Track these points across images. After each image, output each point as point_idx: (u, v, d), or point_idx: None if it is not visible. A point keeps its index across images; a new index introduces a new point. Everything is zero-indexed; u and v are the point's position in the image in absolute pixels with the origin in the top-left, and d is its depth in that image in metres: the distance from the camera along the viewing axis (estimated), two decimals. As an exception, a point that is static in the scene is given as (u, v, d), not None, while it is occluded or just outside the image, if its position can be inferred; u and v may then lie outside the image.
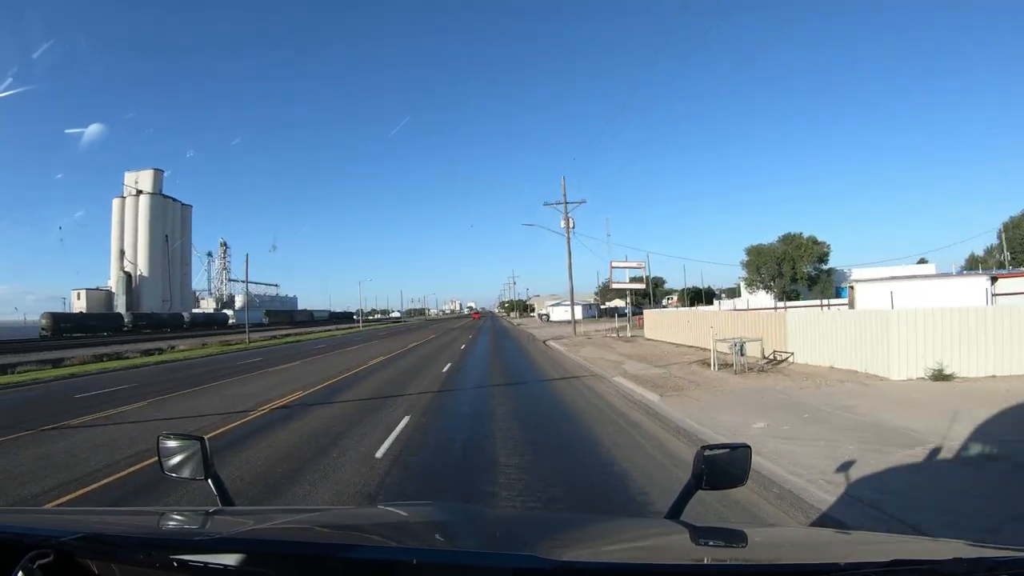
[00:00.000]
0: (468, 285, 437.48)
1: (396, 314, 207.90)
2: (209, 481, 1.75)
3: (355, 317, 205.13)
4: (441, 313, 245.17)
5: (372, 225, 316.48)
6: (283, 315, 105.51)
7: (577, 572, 1.03)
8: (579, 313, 72.07)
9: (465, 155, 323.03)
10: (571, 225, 34.26)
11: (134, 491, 5.70)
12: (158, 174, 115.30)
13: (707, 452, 1.59)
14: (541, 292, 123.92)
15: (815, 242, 66.75)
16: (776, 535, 1.82)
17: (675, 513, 1.63)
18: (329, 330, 66.61)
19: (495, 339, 33.39)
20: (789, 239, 68.48)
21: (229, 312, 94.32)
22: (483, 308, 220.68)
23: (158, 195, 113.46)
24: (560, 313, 63.43)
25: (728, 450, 1.62)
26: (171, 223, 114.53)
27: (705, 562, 1.22)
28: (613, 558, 1.24)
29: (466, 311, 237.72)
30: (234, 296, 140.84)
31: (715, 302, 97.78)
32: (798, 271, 66.12)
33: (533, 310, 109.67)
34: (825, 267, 68.33)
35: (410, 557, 1.03)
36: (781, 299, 69.35)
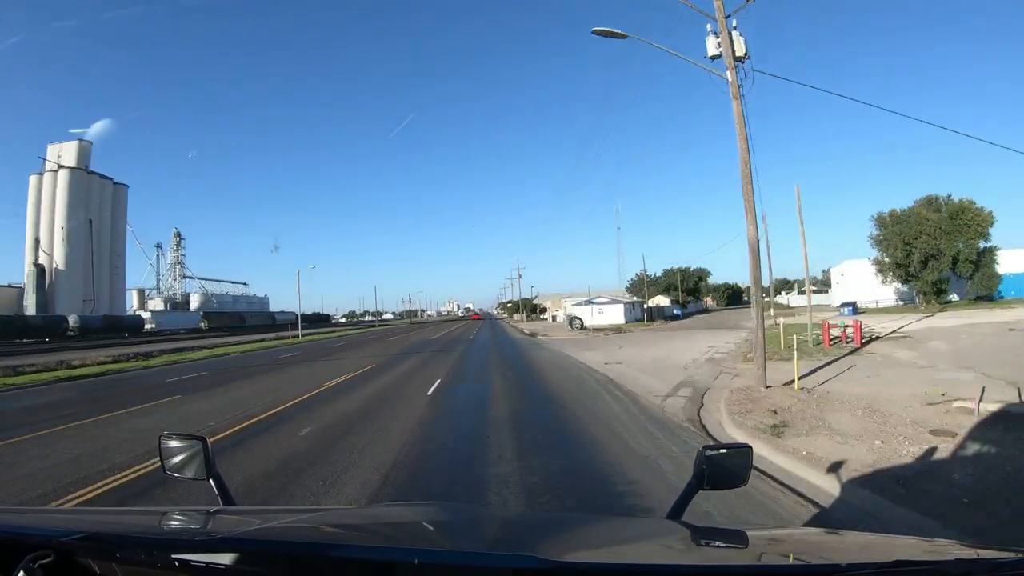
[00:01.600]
0: (466, 286, 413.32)
1: (388, 316, 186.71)
2: (211, 481, 1.68)
3: (342, 319, 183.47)
4: (437, 315, 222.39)
5: (367, 224, 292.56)
6: (230, 318, 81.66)
7: (578, 572, 1.03)
8: (620, 314, 48.82)
9: (465, 148, 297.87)
10: (738, 50, 10.75)
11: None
12: (84, 146, 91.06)
13: (708, 452, 1.52)
14: (544, 291, 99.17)
15: (972, 207, 42.95)
16: (777, 536, 1.74)
17: (676, 514, 1.57)
18: (260, 341, 43.71)
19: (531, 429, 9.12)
20: (935, 202, 44.71)
21: (146, 315, 70.13)
22: (481, 309, 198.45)
23: (81, 171, 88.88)
24: (595, 316, 40.00)
25: (729, 450, 1.57)
26: (98, 205, 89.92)
27: (706, 563, 1.19)
28: (614, 558, 1.22)
29: (461, 312, 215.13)
30: (189, 295, 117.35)
31: (782, 295, 75.23)
32: (960, 252, 42.43)
33: (543, 311, 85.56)
34: (985, 246, 44.59)
35: (411, 557, 1.02)
36: (925, 294, 45.81)
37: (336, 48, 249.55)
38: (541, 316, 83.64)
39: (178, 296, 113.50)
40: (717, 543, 1.29)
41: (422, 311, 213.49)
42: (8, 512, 2.60)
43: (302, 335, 52.07)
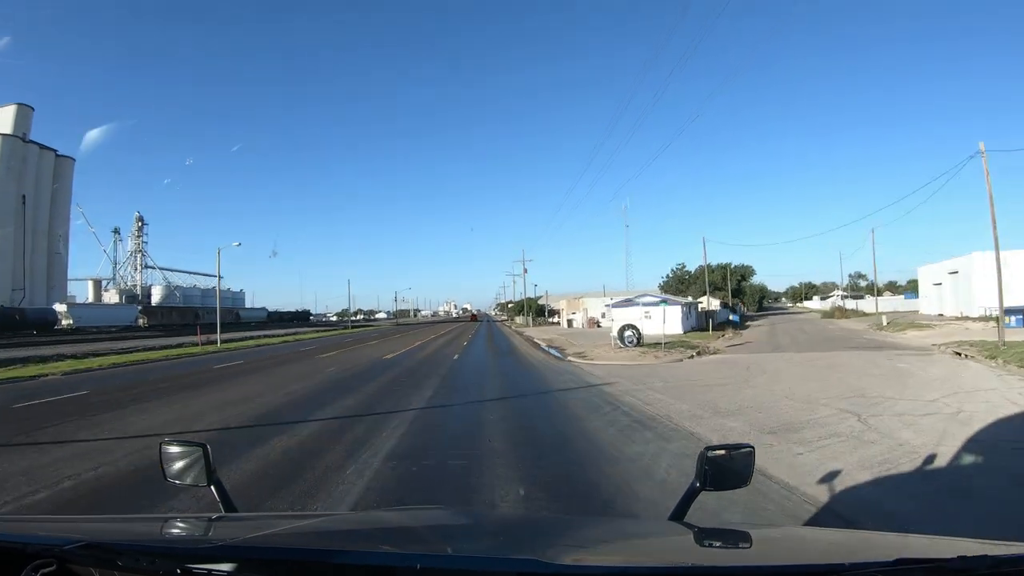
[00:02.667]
0: (463, 287, 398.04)
1: (382, 315, 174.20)
2: (212, 488, 1.63)
3: (332, 317, 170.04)
4: (433, 315, 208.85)
5: (363, 222, 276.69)
6: (181, 314, 67.21)
7: (580, 575, 1.02)
8: (677, 320, 34.33)
9: (465, 144, 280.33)
10: None
11: None
12: (23, 111, 76.18)
13: (710, 453, 1.49)
14: (552, 291, 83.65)
15: None
16: (780, 536, 1.72)
17: (679, 515, 1.54)
18: (161, 349, 29.85)
19: None
20: None
21: (61, 309, 55.33)
22: (478, 310, 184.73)
23: (16, 138, 74.10)
24: (642, 322, 25.74)
25: (731, 451, 1.52)
26: (35, 180, 75.14)
27: (709, 564, 1.16)
28: (616, 561, 1.21)
29: (456, 313, 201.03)
30: (151, 287, 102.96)
31: (814, 300, 60.78)
32: None
33: (553, 314, 70.80)
34: None
35: (414, 563, 1.01)
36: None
37: (332, 34, 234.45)
38: (551, 320, 68.89)
39: (137, 288, 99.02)
40: (720, 544, 1.26)
41: (416, 311, 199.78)
42: (10, 520, 2.62)
43: (245, 337, 37.95)
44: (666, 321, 26.11)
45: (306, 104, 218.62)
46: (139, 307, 65.54)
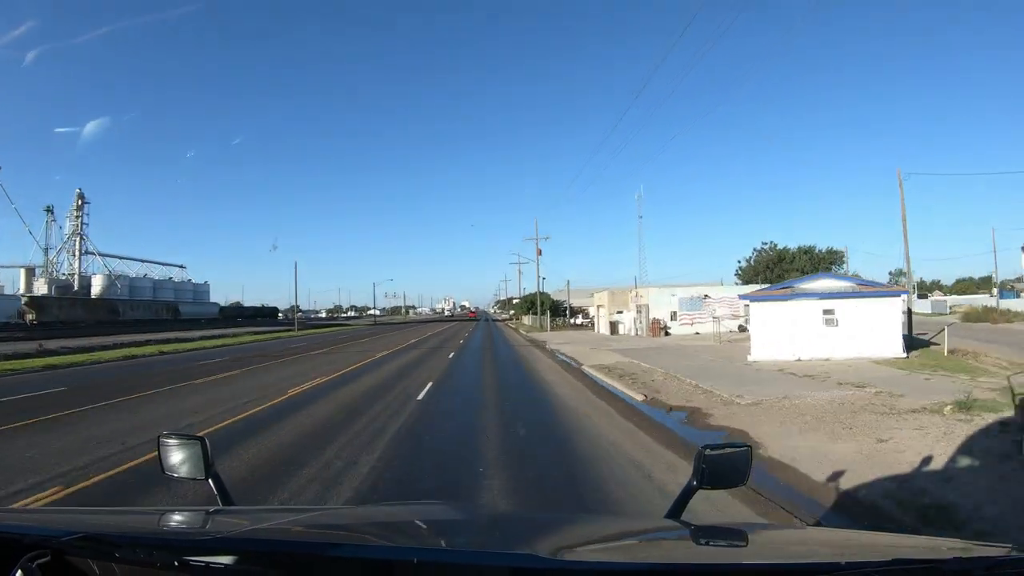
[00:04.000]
0: (463, 284, 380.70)
1: (375, 312, 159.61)
2: (209, 481, 1.61)
3: (321, 315, 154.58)
4: (432, 311, 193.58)
5: (361, 218, 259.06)
6: (91, 308, 50.90)
7: (576, 571, 1.02)
8: (893, 328, 17.75)
9: (463, 137, 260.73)
10: None
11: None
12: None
13: (708, 452, 1.49)
14: (553, 287, 65.50)
15: None
16: (777, 535, 1.71)
17: (675, 512, 1.53)
18: None
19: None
20: None
21: None
22: (477, 308, 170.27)
23: None
24: (792, 317, 9.94)
25: (729, 450, 1.54)
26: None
27: (705, 562, 1.15)
28: (612, 557, 1.21)
29: (449, 312, 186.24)
30: (91, 277, 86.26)
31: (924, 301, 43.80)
32: None
33: (577, 314, 53.68)
34: None
35: (411, 557, 1.00)
36: None
37: (334, 31, 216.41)
38: (574, 321, 52.11)
39: (74, 278, 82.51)
40: (716, 542, 1.26)
41: (410, 308, 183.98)
42: (6, 512, 2.60)
43: (95, 347, 21.69)
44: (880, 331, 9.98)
45: (303, 96, 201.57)
46: (24, 298, 48.98)
